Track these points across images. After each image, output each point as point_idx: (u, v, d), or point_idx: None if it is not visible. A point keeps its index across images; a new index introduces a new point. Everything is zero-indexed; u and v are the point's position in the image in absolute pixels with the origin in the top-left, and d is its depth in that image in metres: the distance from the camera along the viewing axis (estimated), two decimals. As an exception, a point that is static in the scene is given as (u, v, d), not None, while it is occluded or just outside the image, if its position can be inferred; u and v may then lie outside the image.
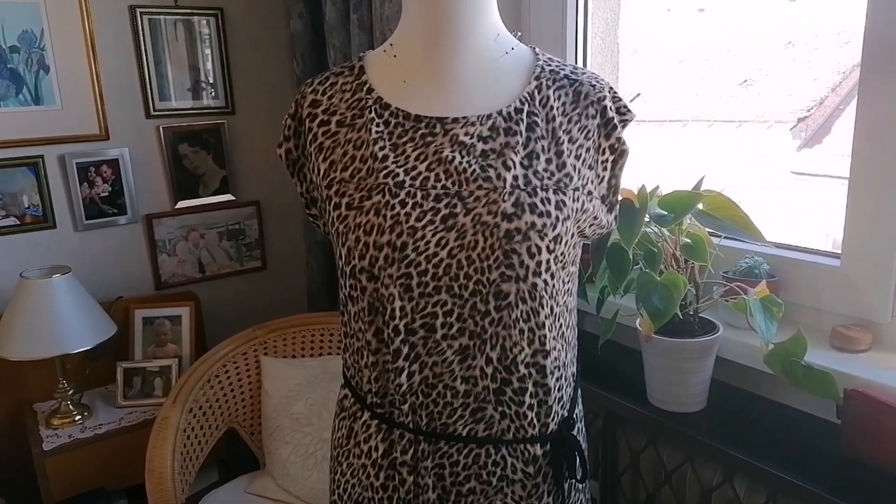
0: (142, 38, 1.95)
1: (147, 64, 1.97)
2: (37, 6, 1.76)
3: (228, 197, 2.18)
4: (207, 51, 2.07)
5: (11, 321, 1.65)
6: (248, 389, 1.80)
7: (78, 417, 1.76)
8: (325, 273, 2.21)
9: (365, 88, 0.86)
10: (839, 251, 1.18)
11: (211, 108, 2.11)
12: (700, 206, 1.10)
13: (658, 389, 1.20)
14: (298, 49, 2.06)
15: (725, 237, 1.30)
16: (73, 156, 1.89)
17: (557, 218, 0.79)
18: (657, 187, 1.15)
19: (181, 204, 2.10)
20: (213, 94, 2.11)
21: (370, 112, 0.83)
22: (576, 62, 1.61)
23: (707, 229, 1.12)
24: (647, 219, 1.11)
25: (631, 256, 1.07)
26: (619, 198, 0.93)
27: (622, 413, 1.26)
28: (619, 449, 1.31)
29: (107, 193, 1.96)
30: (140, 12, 1.93)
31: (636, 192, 1.09)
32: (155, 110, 2.01)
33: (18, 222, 1.85)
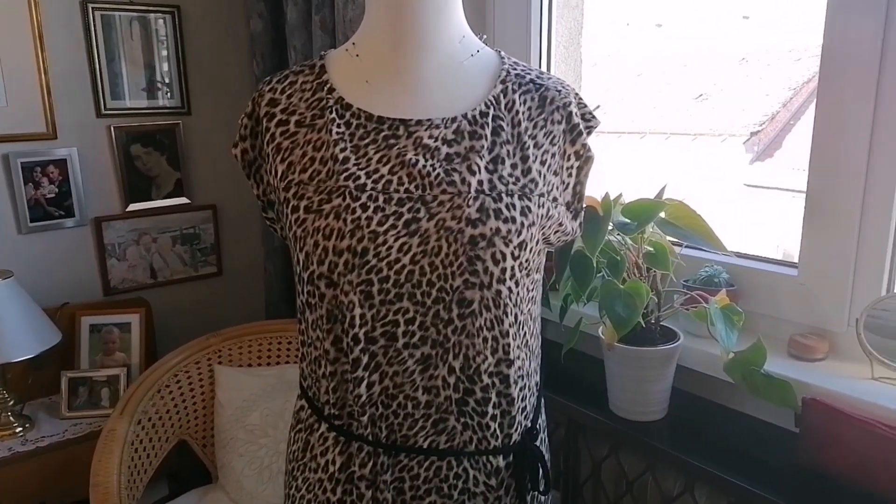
0: (93, 34, 1.87)
1: (99, 61, 1.90)
2: (-20, -2, 1.68)
3: (183, 200, 2.11)
4: (163, 49, 2.01)
5: (-53, 328, 1.56)
6: (201, 400, 1.74)
7: (19, 429, 1.67)
8: (283, 280, 2.16)
9: (326, 88, 0.83)
10: (796, 261, 1.19)
11: (166, 108, 2.05)
12: (662, 214, 1.10)
13: (620, 398, 1.19)
14: (258, 49, 2.02)
15: (686, 246, 1.31)
16: (17, 155, 1.80)
17: (522, 224, 0.78)
18: (620, 195, 1.15)
19: (132, 206, 2.03)
20: (169, 93, 2.05)
21: (331, 112, 0.81)
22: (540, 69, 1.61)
23: (669, 238, 1.13)
24: (610, 227, 1.11)
25: (595, 264, 1.06)
26: (584, 205, 0.92)
27: (584, 422, 1.25)
28: (580, 458, 1.30)
29: (53, 195, 1.88)
30: (92, 7, 1.86)
31: (600, 200, 1.08)
32: (106, 109, 1.94)
33: (-43, 224, 1.75)
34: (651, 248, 1.10)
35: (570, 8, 1.72)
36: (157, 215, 2.07)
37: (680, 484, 1.12)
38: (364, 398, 0.79)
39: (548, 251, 1.12)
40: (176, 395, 1.69)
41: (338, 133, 0.79)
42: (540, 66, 1.62)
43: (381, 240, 0.75)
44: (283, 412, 1.67)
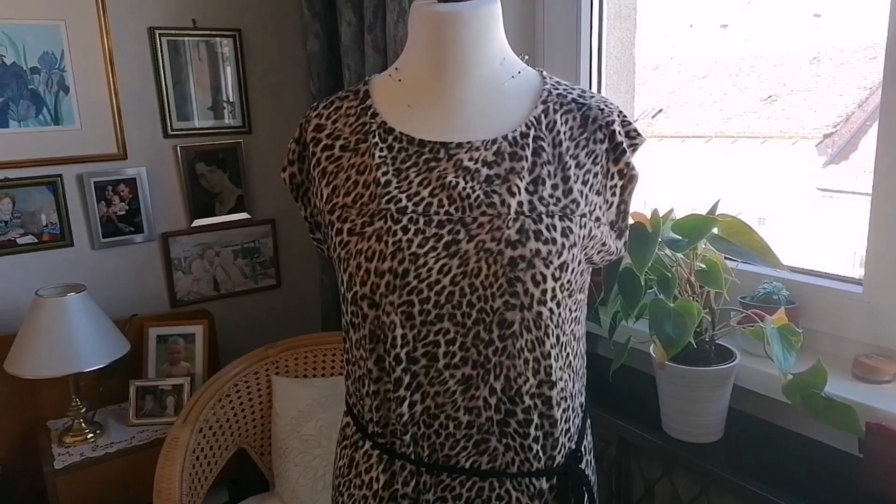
0: (160, 58, 1.97)
1: (165, 84, 1.99)
2: (58, 28, 1.79)
3: (244, 215, 2.19)
4: (225, 71, 2.09)
5: (26, 339, 1.66)
6: (259, 409, 1.79)
7: (90, 436, 1.76)
8: (338, 292, 2.20)
9: (369, 113, 0.85)
10: (862, 275, 1.14)
11: (228, 128, 2.13)
12: (715, 230, 1.07)
13: (673, 418, 1.16)
14: (315, 69, 2.07)
15: (744, 262, 1.27)
16: (91, 175, 1.91)
17: (563, 245, 0.77)
18: (671, 210, 1.13)
19: (197, 222, 2.11)
20: (231, 113, 2.13)
21: (374, 136, 0.82)
22: (590, 82, 1.59)
23: (723, 254, 1.09)
24: (659, 243, 1.09)
25: (643, 282, 1.04)
26: (629, 223, 0.90)
27: (636, 442, 1.22)
28: (633, 479, 1.27)
29: (124, 212, 1.98)
30: (159, 33, 1.96)
31: (649, 217, 1.06)
32: (172, 130, 2.03)
33: (36, 240, 1.87)
34: (703, 266, 1.07)
35: (622, 18, 1.70)
36: (220, 230, 2.15)
37: (736, 509, 1.08)
38: (406, 417, 0.80)
39: (596, 267, 1.11)
40: (235, 405, 1.75)
41: (380, 157, 0.81)
42: (591, 79, 1.60)
43: (421, 261, 0.76)
44: (336, 423, 1.69)
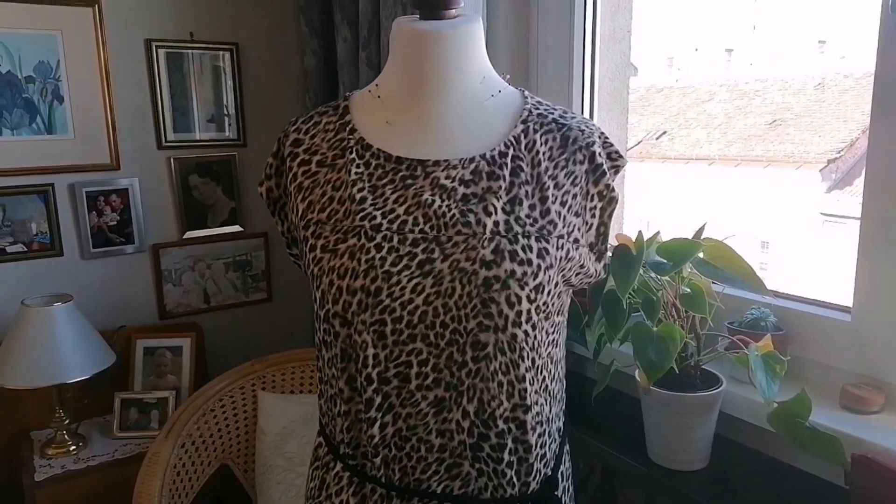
0: (156, 70, 1.97)
1: (160, 96, 1.99)
2: (54, 38, 1.80)
3: (236, 228, 2.18)
4: (222, 84, 2.09)
5: (10, 349, 1.64)
6: (244, 425, 1.77)
7: (73, 448, 1.74)
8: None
9: (348, 128, 0.84)
10: (850, 304, 1.12)
11: (223, 141, 2.13)
12: (701, 254, 1.06)
13: (658, 444, 1.14)
14: (311, 84, 2.07)
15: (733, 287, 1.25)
16: (83, 184, 1.90)
17: (539, 266, 0.76)
18: (657, 233, 1.12)
19: (189, 234, 2.10)
20: (226, 126, 2.13)
21: (351, 153, 0.81)
22: (582, 103, 1.59)
23: (709, 279, 1.08)
24: (645, 266, 1.07)
25: (625, 306, 1.03)
26: (609, 245, 0.89)
27: (620, 467, 1.20)
28: (616, 505, 1.25)
29: (115, 222, 1.97)
30: (156, 45, 1.96)
31: (633, 239, 1.05)
32: (167, 141, 2.03)
33: (26, 249, 1.86)
34: (688, 290, 1.06)
35: (617, 41, 1.70)
36: (212, 243, 2.14)
37: (719, 540, 1.06)
38: (377, 439, 0.79)
39: (583, 288, 1.09)
40: (220, 420, 1.73)
41: (356, 173, 0.80)
42: (583, 99, 1.59)
43: (394, 280, 0.75)
44: (322, 441, 1.68)
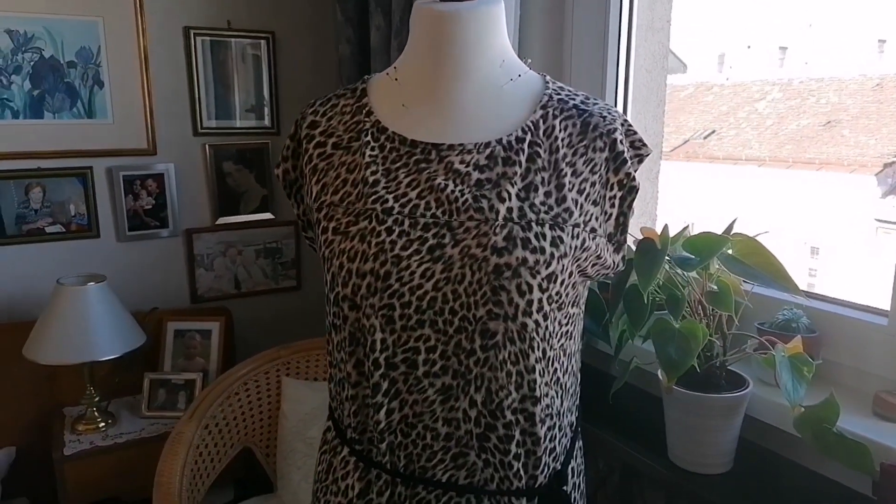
0: (194, 58, 2.00)
1: (198, 83, 2.02)
2: (95, 24, 1.84)
3: (268, 215, 2.20)
4: (258, 72, 2.12)
5: (45, 326, 1.69)
6: (267, 409, 1.79)
7: (102, 425, 1.79)
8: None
9: (364, 111, 0.83)
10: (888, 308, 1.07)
11: (257, 129, 2.15)
12: (729, 250, 1.02)
13: (679, 446, 1.11)
14: (345, 73, 2.07)
15: (764, 287, 1.21)
16: (120, 168, 1.95)
17: (552, 255, 0.74)
18: (686, 227, 1.08)
19: (221, 220, 2.13)
20: (261, 114, 2.15)
21: (366, 135, 0.81)
22: (615, 94, 1.55)
23: (738, 276, 1.04)
24: (671, 261, 1.04)
25: (647, 301, 1.00)
26: (630, 237, 0.86)
27: (640, 468, 1.17)
28: (635, 506, 1.22)
29: (150, 206, 2.01)
30: (194, 33, 1.99)
31: (658, 233, 1.02)
32: (202, 128, 2.06)
33: (64, 230, 1.91)
34: (715, 287, 1.02)
35: (655, 31, 1.65)
36: (244, 229, 2.17)
37: (739, 546, 1.02)
38: (383, 425, 0.78)
39: (604, 283, 1.07)
40: (244, 403, 1.75)
41: (370, 156, 0.79)
42: (616, 90, 1.56)
43: (404, 264, 0.74)
44: (343, 429, 1.68)
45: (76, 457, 1.67)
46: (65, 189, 1.89)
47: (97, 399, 1.80)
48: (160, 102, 1.98)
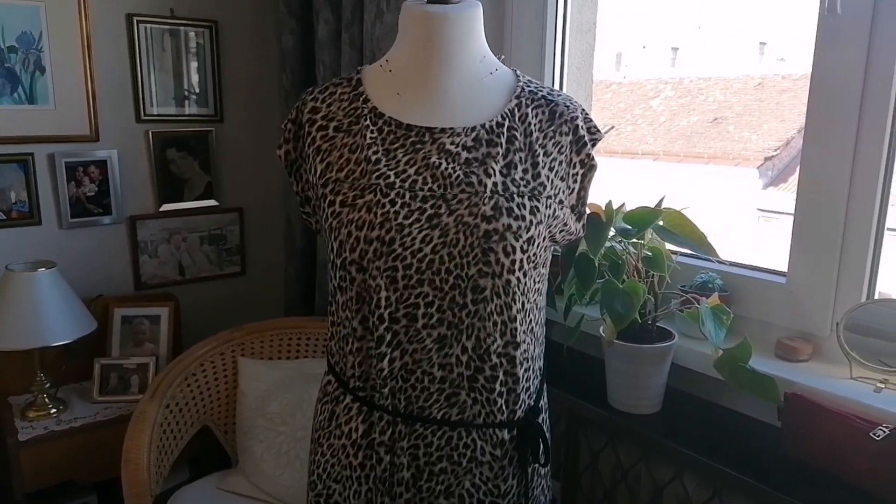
0: (137, 44, 2.01)
1: (140, 70, 2.03)
2: (37, 9, 1.82)
3: (212, 202, 2.23)
4: (200, 61, 2.14)
5: (-6, 312, 1.67)
6: (224, 389, 1.85)
7: (53, 411, 1.78)
8: (302, 282, 2.27)
9: (361, 98, 0.94)
10: (786, 270, 1.29)
11: (200, 116, 2.18)
12: (661, 222, 1.20)
13: (618, 392, 1.29)
14: (289, 64, 2.14)
15: (684, 255, 1.41)
16: (62, 155, 1.93)
17: (531, 222, 0.88)
18: (623, 205, 1.26)
19: (165, 207, 2.15)
20: (203, 102, 2.18)
21: (365, 120, 0.92)
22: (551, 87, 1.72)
23: (667, 244, 1.23)
24: (612, 233, 1.21)
25: (597, 266, 1.17)
26: (587, 209, 1.02)
27: (584, 415, 1.34)
28: (579, 450, 1.39)
29: (93, 193, 2.01)
30: (136, 20, 2.00)
31: (603, 208, 1.19)
32: (145, 115, 2.07)
33: (4, 217, 1.88)
34: (649, 253, 1.20)
35: (583, 32, 1.84)
36: (188, 216, 2.19)
37: (671, 473, 1.21)
38: (386, 372, 0.90)
39: (554, 255, 1.23)
40: (201, 383, 1.80)
41: (371, 138, 0.91)
42: (553, 87, 1.73)
43: (406, 231, 0.86)
44: (301, 403, 1.77)
45: (31, 442, 1.67)
46: (5, 176, 1.86)
47: (47, 385, 1.79)
48: (103, 89, 1.98)
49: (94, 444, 1.75)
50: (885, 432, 0.99)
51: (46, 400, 1.80)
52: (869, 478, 1.01)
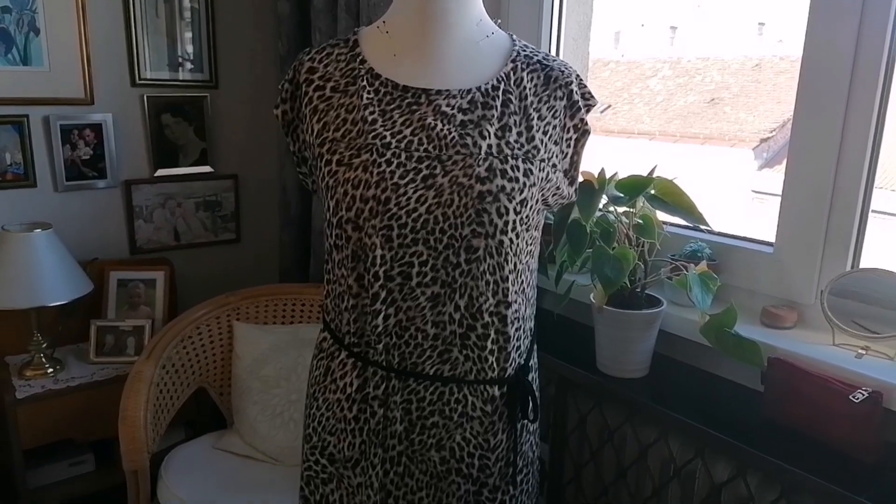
0: (132, 7, 2.00)
1: (136, 33, 2.02)
2: (31, -32, 1.80)
3: (207, 169, 2.24)
4: (195, 26, 2.13)
5: (-9, 272, 1.69)
6: (220, 351, 1.87)
7: (50, 370, 1.81)
8: (298, 249, 2.28)
9: (358, 59, 0.95)
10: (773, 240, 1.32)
11: (195, 82, 2.17)
12: (652, 191, 1.22)
13: (606, 357, 1.32)
14: (284, 31, 2.13)
15: (674, 226, 1.44)
16: (57, 118, 1.93)
17: (524, 184, 0.90)
18: (616, 173, 1.27)
19: (160, 172, 2.15)
20: (198, 67, 2.17)
21: (362, 80, 0.93)
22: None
23: (658, 213, 1.25)
24: (604, 200, 1.23)
25: (588, 232, 1.19)
26: (580, 174, 1.04)
27: (573, 378, 1.37)
28: (568, 413, 1.42)
29: (88, 157, 2.01)
30: (131, -18, 1.98)
31: (596, 175, 1.21)
32: (140, 79, 2.06)
33: (0, 179, 1.88)
34: (640, 220, 1.22)
35: (580, 3, 1.84)
36: (183, 181, 2.20)
37: (655, 434, 1.25)
38: (380, 328, 0.92)
39: (547, 224, 1.25)
40: (197, 346, 1.82)
41: (367, 98, 0.92)
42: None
43: (401, 191, 0.87)
44: (297, 366, 1.80)
45: (29, 400, 1.69)
46: (0, 137, 1.85)
47: (44, 346, 1.81)
48: (97, 52, 1.97)
49: (90, 403, 1.78)
50: (864, 395, 1.02)
51: (43, 360, 1.82)
52: (847, 439, 1.04)
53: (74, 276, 1.79)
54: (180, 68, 2.14)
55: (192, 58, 2.15)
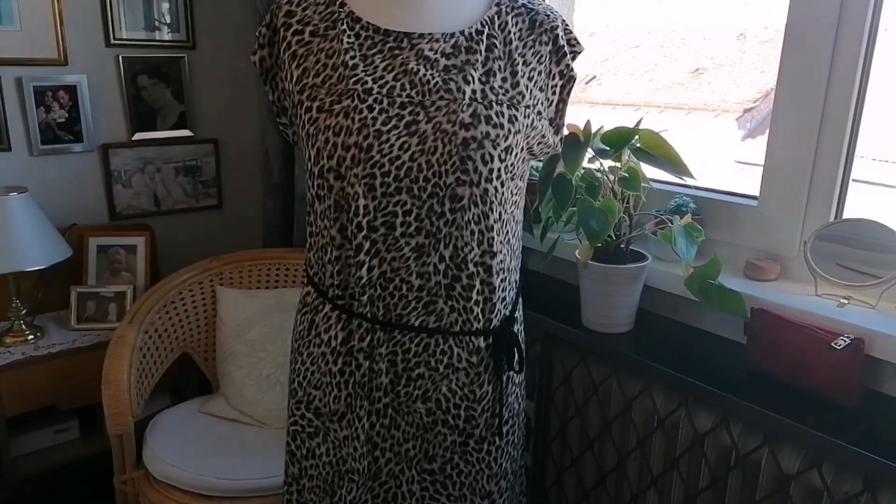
0: (104, -36, 1.93)
1: (109, -8, 1.96)
2: (-3, -79, 1.73)
3: (186, 132, 2.20)
4: (170, -16, 2.07)
5: (-35, 237, 1.65)
6: (203, 316, 1.85)
7: (31, 337, 1.78)
8: (281, 216, 2.26)
9: (338, 2, 0.92)
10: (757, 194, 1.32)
11: (172, 42, 2.12)
12: (637, 143, 1.21)
13: (592, 312, 1.32)
14: (263, -11, 2.08)
15: (660, 182, 1.43)
16: (30, 79, 1.87)
17: (510, 130, 0.89)
18: (601, 127, 1.26)
19: (138, 136, 2.11)
20: (175, 27, 2.11)
21: (342, 24, 0.90)
22: None
23: (643, 166, 1.24)
24: (590, 154, 1.22)
25: (574, 186, 1.18)
26: (566, 128, 1.02)
27: (559, 334, 1.37)
28: (553, 370, 1.43)
29: (63, 120, 1.96)
30: (103, -62, 1.92)
31: (581, 128, 1.19)
32: (115, 39, 2.00)
33: (-28, 142, 1.83)
34: (625, 173, 1.21)
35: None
36: (162, 146, 2.16)
37: (640, 386, 1.25)
38: (365, 280, 0.91)
39: (531, 182, 1.24)
40: (180, 311, 1.80)
41: (348, 43, 0.89)
42: None
43: (384, 138, 0.86)
44: (282, 331, 1.79)
45: (10, 367, 1.67)
46: (-29, 99, 1.80)
47: (24, 312, 1.79)
48: (70, 10, 1.91)
49: (73, 369, 1.76)
50: (846, 342, 1.03)
51: (24, 326, 1.79)
52: (829, 386, 1.05)
53: (52, 241, 1.76)
54: (157, 28, 2.08)
55: (169, 18, 2.09)
